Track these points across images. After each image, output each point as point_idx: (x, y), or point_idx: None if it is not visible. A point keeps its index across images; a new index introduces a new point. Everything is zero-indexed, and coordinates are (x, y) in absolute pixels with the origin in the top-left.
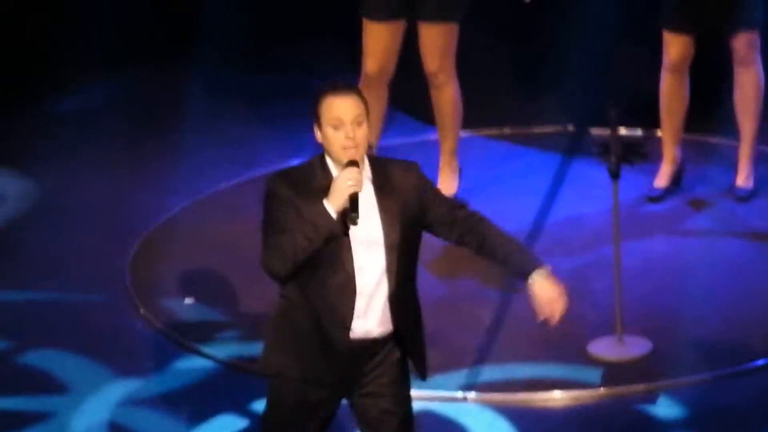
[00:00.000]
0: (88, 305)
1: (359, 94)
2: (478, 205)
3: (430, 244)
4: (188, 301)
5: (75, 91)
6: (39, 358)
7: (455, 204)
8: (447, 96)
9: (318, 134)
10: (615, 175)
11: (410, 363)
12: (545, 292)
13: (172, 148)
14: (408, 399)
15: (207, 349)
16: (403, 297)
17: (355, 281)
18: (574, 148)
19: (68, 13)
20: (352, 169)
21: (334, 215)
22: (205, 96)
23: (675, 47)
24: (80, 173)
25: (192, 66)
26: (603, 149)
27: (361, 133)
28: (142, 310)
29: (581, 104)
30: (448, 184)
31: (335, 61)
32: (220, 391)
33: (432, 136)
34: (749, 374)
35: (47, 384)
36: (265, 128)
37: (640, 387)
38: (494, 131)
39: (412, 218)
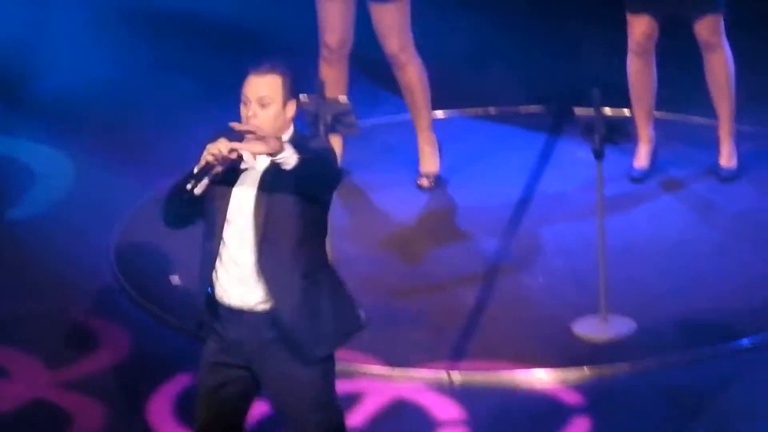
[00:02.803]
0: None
1: (281, 77)
2: (461, 183)
3: (410, 223)
4: (174, 279)
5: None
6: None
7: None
8: (412, 74)
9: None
10: (599, 155)
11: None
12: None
13: (161, 127)
14: (313, 417)
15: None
16: (276, 274)
17: (219, 248)
18: (558, 127)
19: None
20: (221, 141)
21: (193, 172)
22: (196, 77)
23: (638, 28)
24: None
25: (184, 48)
26: (587, 129)
27: (265, 116)
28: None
29: (565, 84)
30: (429, 162)
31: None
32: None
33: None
34: (733, 354)
35: None
36: None
37: (624, 366)
38: (479, 111)
39: (294, 198)
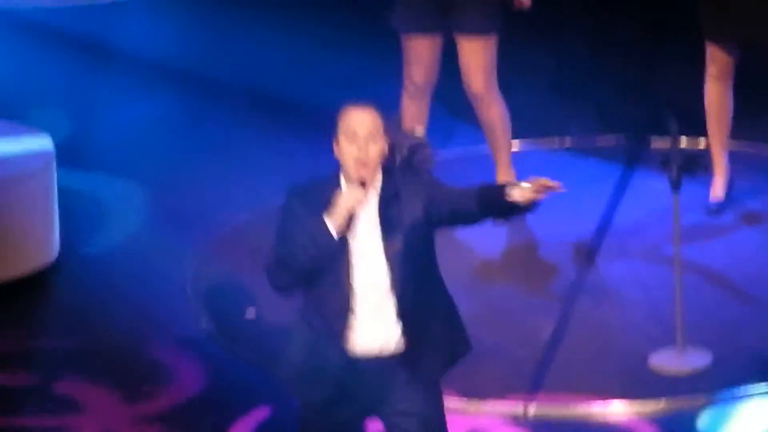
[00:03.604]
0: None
1: (377, 111)
2: (538, 215)
3: (486, 255)
4: (250, 312)
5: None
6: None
7: (465, 188)
8: (495, 114)
9: (336, 148)
10: (676, 186)
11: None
12: (529, 182)
13: (233, 159)
14: (438, 419)
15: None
16: (412, 309)
17: (353, 297)
18: (634, 158)
19: None
20: (357, 187)
21: (332, 231)
22: (258, 106)
23: (718, 55)
24: (137, 181)
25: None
26: (664, 160)
27: (374, 150)
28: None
29: (641, 115)
30: None
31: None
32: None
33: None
34: None
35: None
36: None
37: (701, 399)
38: (554, 141)
39: (419, 224)
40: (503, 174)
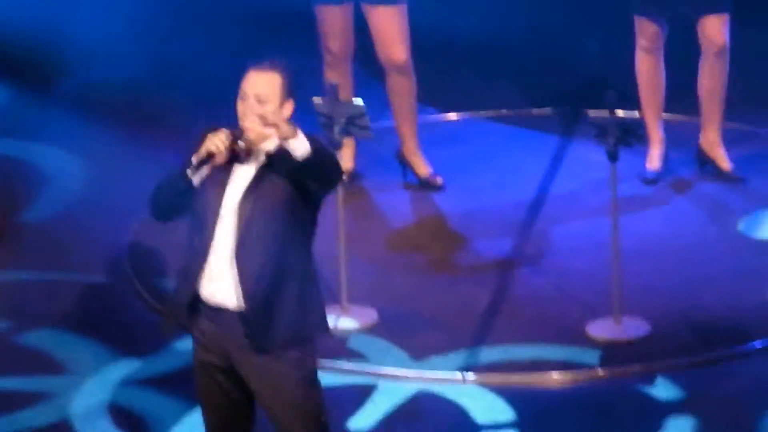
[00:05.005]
0: (88, 286)
1: (281, 76)
2: (474, 184)
3: (423, 226)
4: None
5: (82, 71)
6: (38, 338)
7: None
8: (412, 82)
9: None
10: (613, 157)
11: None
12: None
13: (179, 128)
14: (271, 377)
15: None
16: (255, 278)
17: (210, 244)
18: (571, 130)
19: None
20: (223, 131)
21: (188, 170)
22: (214, 79)
23: (647, 28)
24: (84, 153)
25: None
26: (601, 131)
27: (266, 112)
28: (141, 292)
29: (579, 87)
30: (425, 165)
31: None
32: None
33: (427, 118)
34: (746, 357)
35: (47, 364)
36: None
37: (638, 368)
38: (491, 113)
39: (285, 199)
40: (411, 144)
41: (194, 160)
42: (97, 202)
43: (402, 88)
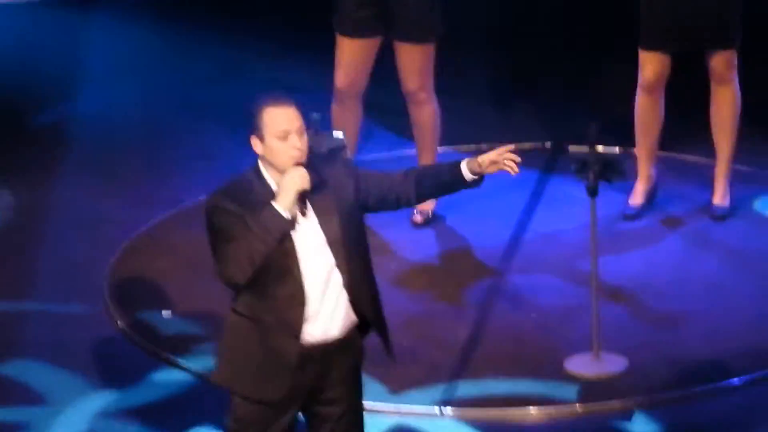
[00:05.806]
0: (66, 317)
1: (296, 104)
2: (455, 220)
3: (404, 260)
4: (165, 314)
5: (54, 105)
6: (16, 369)
7: (388, 172)
8: (427, 113)
9: (258, 146)
10: (593, 193)
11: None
12: (484, 156)
13: (152, 160)
14: (361, 406)
15: (184, 362)
16: (360, 287)
17: (304, 287)
18: (551, 165)
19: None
20: (298, 168)
21: (285, 214)
22: (185, 109)
23: (650, 66)
24: (59, 185)
25: (174, 80)
26: (581, 166)
27: (304, 142)
28: (119, 323)
29: (559, 121)
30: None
31: (316, 78)
32: (196, 403)
33: (409, 151)
34: (725, 392)
35: (24, 395)
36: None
37: (616, 404)
38: (471, 147)
39: (350, 208)
40: None
41: (285, 205)
42: (75, 230)
43: (417, 119)
